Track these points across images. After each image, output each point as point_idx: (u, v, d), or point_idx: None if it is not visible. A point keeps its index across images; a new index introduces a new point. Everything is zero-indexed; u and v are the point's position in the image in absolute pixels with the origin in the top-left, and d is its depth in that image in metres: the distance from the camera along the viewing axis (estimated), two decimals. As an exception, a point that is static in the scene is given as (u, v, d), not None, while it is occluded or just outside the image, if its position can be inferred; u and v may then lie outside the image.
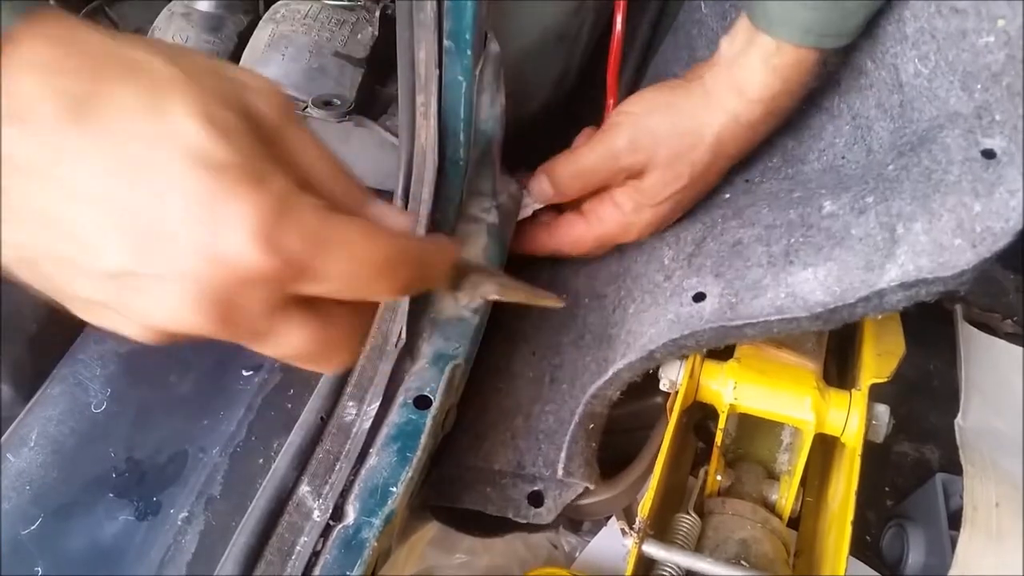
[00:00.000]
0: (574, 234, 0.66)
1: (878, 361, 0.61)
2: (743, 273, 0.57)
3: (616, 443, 0.64)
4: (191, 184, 0.31)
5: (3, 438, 0.53)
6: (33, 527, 0.49)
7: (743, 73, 0.58)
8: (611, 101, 0.72)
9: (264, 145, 0.34)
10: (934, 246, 0.48)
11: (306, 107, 0.61)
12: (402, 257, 0.37)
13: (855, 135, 0.62)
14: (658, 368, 0.60)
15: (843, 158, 0.62)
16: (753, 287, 0.56)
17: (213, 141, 0.32)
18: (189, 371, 0.57)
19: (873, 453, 0.58)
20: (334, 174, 0.38)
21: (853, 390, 0.59)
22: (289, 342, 0.36)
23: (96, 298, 0.33)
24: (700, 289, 0.59)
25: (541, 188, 0.65)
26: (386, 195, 0.64)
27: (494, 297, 0.51)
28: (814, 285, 0.53)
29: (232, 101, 0.34)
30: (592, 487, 0.61)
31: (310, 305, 0.36)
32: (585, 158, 0.64)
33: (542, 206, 0.67)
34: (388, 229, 0.38)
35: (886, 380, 0.60)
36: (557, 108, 0.73)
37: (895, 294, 0.49)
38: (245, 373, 0.57)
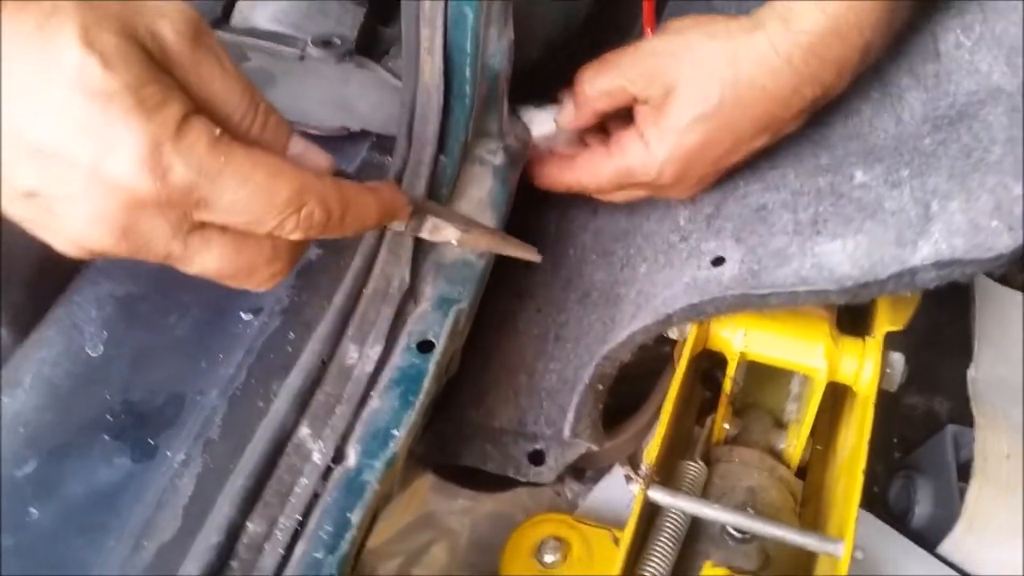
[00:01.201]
0: (594, 163, 0.62)
1: (893, 309, 0.60)
2: (766, 240, 0.56)
3: (622, 391, 0.63)
4: (78, 111, 0.33)
5: (-1, 380, 0.52)
6: (27, 469, 0.48)
7: (791, 2, 0.54)
8: (648, 29, 0.68)
9: (161, 71, 0.35)
10: (970, 226, 0.47)
11: (305, 47, 0.59)
12: (310, 198, 0.39)
13: (884, 103, 0.59)
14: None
15: (870, 125, 0.60)
16: (777, 255, 0.54)
17: (96, 68, 0.33)
18: (187, 314, 0.56)
19: (882, 405, 0.57)
20: (247, 104, 0.39)
21: (867, 337, 0.58)
22: (204, 263, 0.39)
23: (21, 215, 0.37)
24: (719, 253, 0.57)
25: (562, 106, 0.63)
26: (388, 139, 0.62)
27: (455, 242, 0.51)
28: (842, 257, 0.51)
29: (125, 26, 0.35)
30: (597, 448, 0.60)
31: (227, 229, 0.38)
32: (605, 67, 0.60)
33: (564, 128, 0.64)
34: (303, 167, 0.40)
35: (901, 329, 0.59)
36: (568, 48, 0.71)
37: (928, 272, 0.48)
38: (244, 316, 0.55)
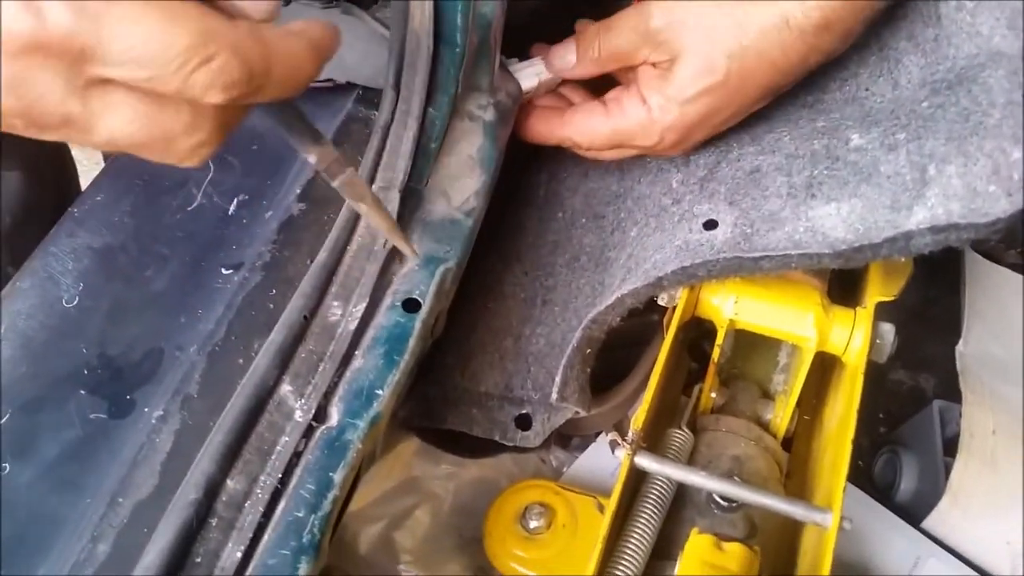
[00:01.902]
0: (590, 123, 0.61)
1: (885, 280, 0.59)
2: (760, 203, 0.55)
3: (609, 359, 0.63)
4: None
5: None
6: (0, 421, 0.47)
7: None
8: None
9: None
10: (967, 191, 0.46)
11: (292, -9, 0.57)
12: (219, 47, 0.33)
13: (881, 67, 0.59)
14: (659, 286, 0.57)
15: (867, 90, 0.59)
16: (770, 218, 0.53)
17: None
18: (165, 268, 0.54)
19: (868, 380, 0.56)
20: None
21: (858, 308, 0.58)
22: (110, 128, 0.34)
23: None
24: (712, 216, 0.56)
25: (563, 55, 0.61)
26: (374, 92, 0.61)
27: (363, 207, 0.48)
28: (836, 221, 0.51)
29: None
30: (584, 413, 0.59)
31: (134, 89, 0.34)
32: (614, 23, 0.58)
33: (552, 81, 0.63)
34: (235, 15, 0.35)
35: (892, 299, 0.58)
36: (559, 10, 0.69)
37: (923, 237, 0.47)
38: (224, 271, 0.54)
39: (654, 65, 0.58)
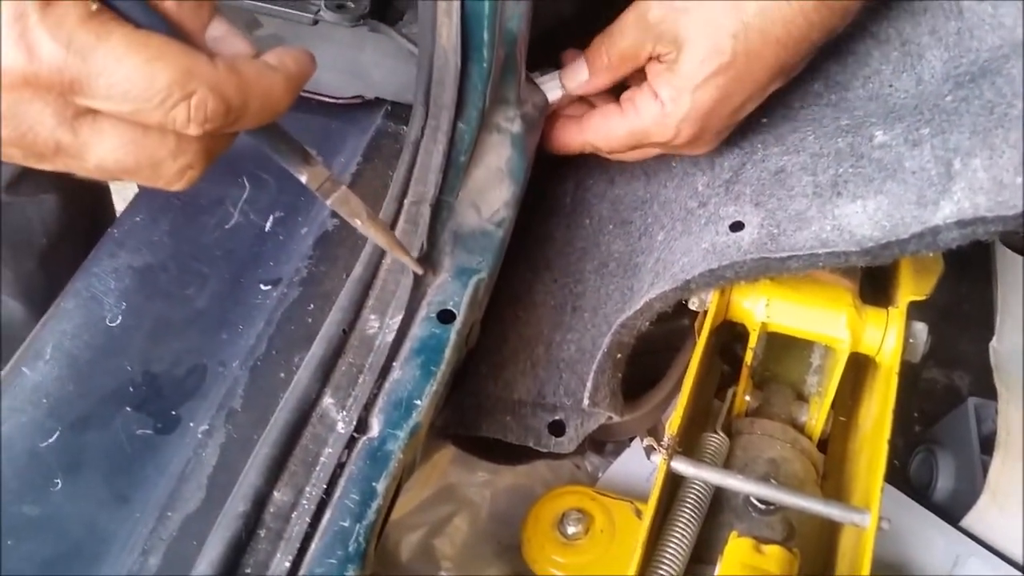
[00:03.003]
0: (607, 125, 0.61)
1: (916, 279, 0.59)
2: (785, 203, 0.55)
3: (641, 364, 0.63)
4: None
5: (18, 352, 0.52)
6: (51, 440, 0.48)
7: None
8: None
9: None
10: (993, 183, 0.46)
11: (319, 10, 0.58)
12: (198, 84, 0.35)
13: (904, 62, 0.59)
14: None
15: (890, 86, 0.59)
16: (796, 218, 0.53)
17: None
18: (206, 285, 0.55)
19: (902, 379, 0.56)
20: None
21: (890, 308, 0.58)
22: (99, 156, 0.36)
23: None
24: (738, 218, 0.56)
25: (576, 73, 0.62)
26: (402, 107, 0.62)
27: (358, 223, 0.48)
28: (863, 219, 0.51)
29: None
30: (617, 417, 0.60)
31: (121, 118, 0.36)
32: (616, 28, 0.59)
33: (573, 95, 0.63)
34: (217, 53, 0.37)
35: (924, 298, 0.58)
36: (585, 16, 0.70)
37: (950, 232, 0.47)
38: (263, 287, 0.55)
39: (660, 59, 0.58)
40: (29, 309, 0.74)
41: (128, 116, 0.36)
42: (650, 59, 0.59)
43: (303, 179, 0.45)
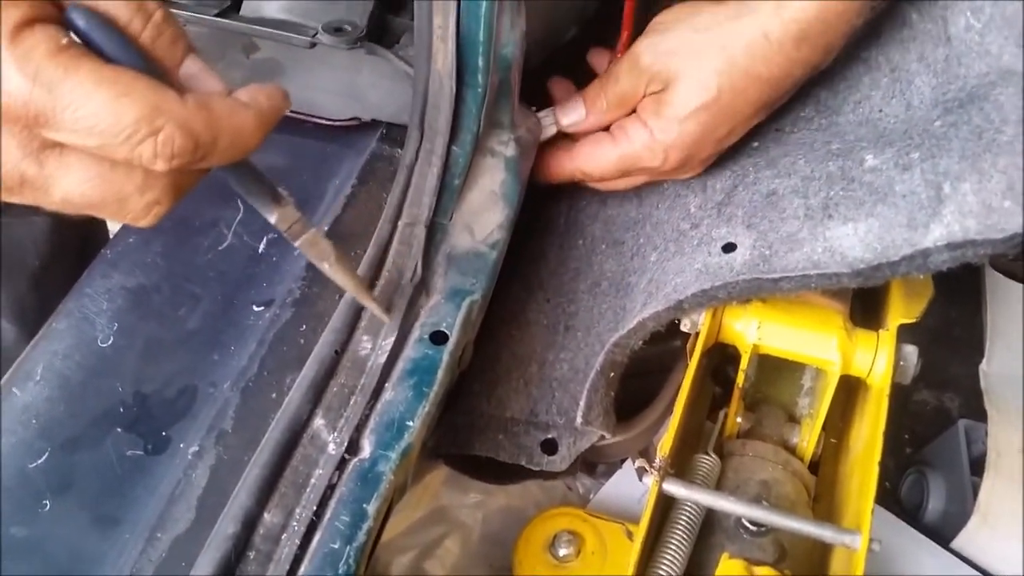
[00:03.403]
0: (598, 151, 0.63)
1: (906, 302, 0.60)
2: (777, 225, 0.56)
3: (633, 386, 0.63)
4: None
5: (8, 372, 0.52)
6: (40, 460, 0.48)
7: None
8: (626, 34, 0.69)
9: None
10: (982, 207, 0.47)
11: (316, 34, 0.59)
12: (166, 121, 0.35)
13: (893, 88, 0.60)
14: (682, 312, 0.58)
15: (880, 111, 0.60)
16: (788, 240, 0.54)
17: None
18: (198, 306, 0.55)
19: (892, 401, 0.57)
20: (133, 10, 0.36)
21: (881, 330, 0.58)
22: (65, 189, 0.36)
23: None
24: (730, 240, 0.57)
25: (572, 112, 0.63)
26: (398, 130, 0.62)
27: (326, 266, 0.47)
28: (854, 241, 0.51)
29: None
30: (610, 436, 0.60)
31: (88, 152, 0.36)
32: (612, 73, 0.62)
33: (567, 129, 0.64)
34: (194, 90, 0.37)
35: (914, 321, 0.59)
36: (577, 44, 0.71)
37: (941, 254, 0.48)
38: (256, 309, 0.55)
39: (652, 95, 0.60)
40: (21, 330, 0.74)
41: (95, 150, 0.35)
42: (643, 98, 0.61)
43: (272, 219, 0.44)
